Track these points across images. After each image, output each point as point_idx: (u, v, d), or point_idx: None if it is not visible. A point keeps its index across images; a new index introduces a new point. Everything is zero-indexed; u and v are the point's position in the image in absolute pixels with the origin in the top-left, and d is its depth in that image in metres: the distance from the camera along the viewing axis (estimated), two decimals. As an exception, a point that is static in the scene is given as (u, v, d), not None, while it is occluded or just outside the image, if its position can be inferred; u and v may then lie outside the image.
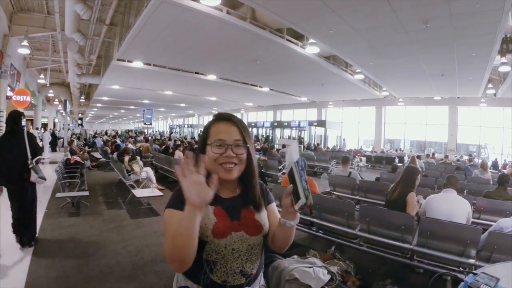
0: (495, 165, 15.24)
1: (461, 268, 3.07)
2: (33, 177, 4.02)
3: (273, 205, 1.43)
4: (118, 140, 16.89)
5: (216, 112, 1.34)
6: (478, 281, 1.32)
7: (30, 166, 4.00)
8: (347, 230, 3.93)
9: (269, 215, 1.36)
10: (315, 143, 23.83)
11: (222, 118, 1.30)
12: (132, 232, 5.14)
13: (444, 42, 8.78)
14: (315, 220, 4.32)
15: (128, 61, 12.38)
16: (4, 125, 4.40)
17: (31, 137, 4.16)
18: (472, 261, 3.01)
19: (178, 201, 1.12)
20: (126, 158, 8.41)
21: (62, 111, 26.10)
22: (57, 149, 18.89)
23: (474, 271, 1.43)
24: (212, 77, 15.52)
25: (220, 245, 1.21)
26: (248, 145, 1.26)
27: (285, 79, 16.14)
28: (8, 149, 3.95)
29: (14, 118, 4.06)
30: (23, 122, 4.33)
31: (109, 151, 12.78)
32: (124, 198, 7.18)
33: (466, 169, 9.71)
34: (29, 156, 4.01)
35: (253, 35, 9.01)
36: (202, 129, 1.45)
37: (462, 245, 3.05)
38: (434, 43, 8.86)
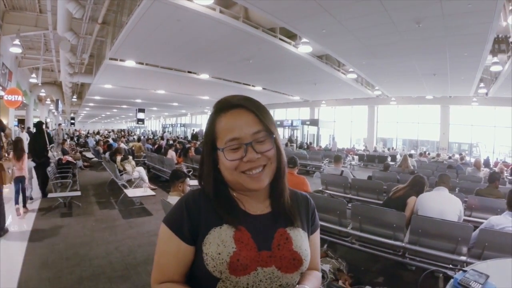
0: (486, 163, 15.39)
1: (452, 265, 3.09)
2: (49, 154, 7.30)
3: (317, 234, 1.06)
4: (110, 140, 16.75)
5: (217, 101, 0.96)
6: (467, 278, 1.32)
7: (47, 149, 7.30)
8: (339, 228, 3.93)
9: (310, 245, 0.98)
10: (308, 142, 23.89)
11: (228, 106, 0.91)
12: (124, 232, 5.12)
13: (436, 42, 8.85)
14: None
15: (121, 60, 12.29)
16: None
17: (48, 134, 7.43)
18: (463, 258, 3.04)
19: (179, 223, 0.89)
20: (118, 157, 8.36)
21: (54, 110, 25.80)
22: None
23: (464, 268, 1.44)
24: (205, 76, 15.47)
25: (240, 285, 0.84)
26: (274, 136, 0.91)
27: (278, 78, 16.17)
28: (37, 140, 7.06)
29: (40, 124, 7.58)
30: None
31: (101, 150, 12.67)
32: (116, 198, 7.14)
33: (458, 167, 9.80)
34: (47, 143, 7.36)
35: (246, 34, 9.01)
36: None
37: (453, 242, 3.07)
38: (427, 43, 8.93)
